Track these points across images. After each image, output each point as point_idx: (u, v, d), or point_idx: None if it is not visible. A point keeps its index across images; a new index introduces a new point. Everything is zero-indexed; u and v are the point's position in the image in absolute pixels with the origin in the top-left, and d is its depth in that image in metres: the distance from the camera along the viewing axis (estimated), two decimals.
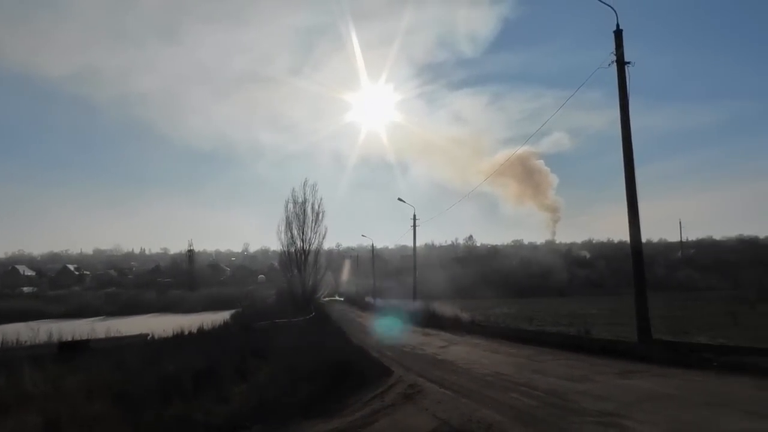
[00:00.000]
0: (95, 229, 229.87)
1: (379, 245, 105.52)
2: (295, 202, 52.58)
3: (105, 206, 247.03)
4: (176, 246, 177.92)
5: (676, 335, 16.79)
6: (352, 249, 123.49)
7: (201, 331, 27.81)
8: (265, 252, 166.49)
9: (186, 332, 26.70)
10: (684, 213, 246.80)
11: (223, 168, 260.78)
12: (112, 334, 24.62)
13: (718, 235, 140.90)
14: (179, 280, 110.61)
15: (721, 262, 79.38)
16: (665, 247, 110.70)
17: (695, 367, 11.97)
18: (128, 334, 24.88)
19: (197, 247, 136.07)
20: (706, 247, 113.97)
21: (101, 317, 67.08)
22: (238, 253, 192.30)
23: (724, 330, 19.09)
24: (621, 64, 15.71)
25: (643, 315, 15.40)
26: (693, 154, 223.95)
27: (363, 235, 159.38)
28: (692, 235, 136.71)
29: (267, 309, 51.08)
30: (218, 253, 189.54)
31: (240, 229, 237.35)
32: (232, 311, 53.96)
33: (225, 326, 33.03)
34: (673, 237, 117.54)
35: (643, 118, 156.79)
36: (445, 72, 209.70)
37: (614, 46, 15.86)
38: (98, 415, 8.61)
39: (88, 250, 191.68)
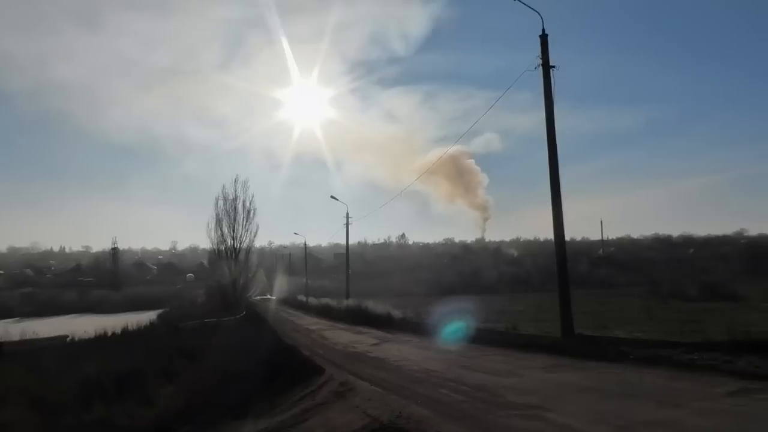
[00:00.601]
0: (10, 226, 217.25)
1: (312, 243, 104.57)
2: (225, 199, 51.63)
3: (21, 202, 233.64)
4: (99, 244, 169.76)
5: (597, 330, 17.51)
6: (285, 247, 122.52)
7: (125, 333, 26.90)
8: (194, 250, 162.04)
9: (109, 333, 25.77)
10: (605, 212, 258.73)
11: (148, 163, 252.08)
12: (28, 337, 23.38)
13: (636, 233, 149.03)
14: (102, 279, 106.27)
15: (638, 259, 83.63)
16: (588, 246, 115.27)
17: (614, 360, 12.49)
18: (46, 336, 23.68)
19: (122, 245, 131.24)
20: (625, 245, 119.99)
21: (16, 319, 63.60)
22: (165, 251, 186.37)
23: (640, 324, 20.08)
24: (546, 67, 16.18)
25: (566, 311, 16.01)
26: (614, 155, 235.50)
27: (295, 233, 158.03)
28: (612, 233, 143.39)
29: (196, 308, 49.97)
30: (144, 251, 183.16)
31: (168, 226, 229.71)
32: (160, 311, 52.42)
33: (151, 327, 32.10)
34: (595, 236, 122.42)
35: (568, 120, 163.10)
36: (378, 69, 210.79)
37: (540, 50, 16.34)
38: (12, 421, 8.16)
39: (2, 248, 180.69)
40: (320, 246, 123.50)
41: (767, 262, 67.49)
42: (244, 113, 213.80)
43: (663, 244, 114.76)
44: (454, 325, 20.30)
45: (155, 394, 10.94)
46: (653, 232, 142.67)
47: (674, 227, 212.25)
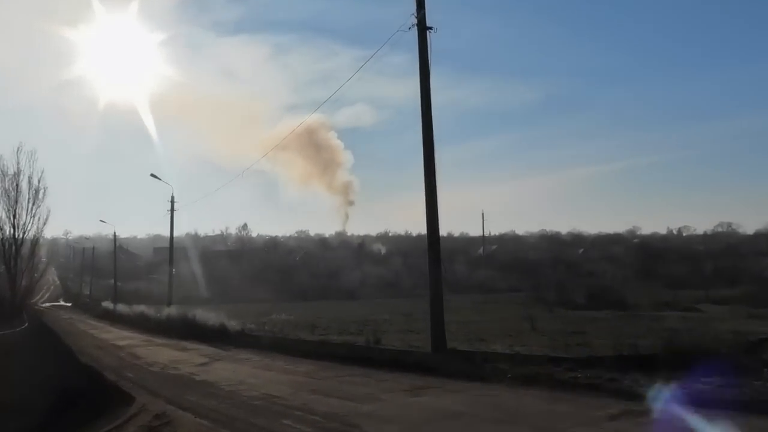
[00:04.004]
0: None
1: (124, 234, 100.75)
2: (4, 175, 48.04)
3: None
4: None
5: (473, 344, 18.43)
6: (87, 239, 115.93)
7: None
8: None
9: None
10: (488, 204, 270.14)
11: None
12: None
13: (521, 229, 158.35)
14: None
15: (522, 260, 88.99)
16: (467, 243, 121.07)
17: (490, 380, 13.26)
18: None
19: None
20: (508, 243, 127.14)
21: None
22: None
23: (522, 336, 21.41)
24: (422, 28, 16.62)
25: (438, 322, 16.63)
26: (501, 134, 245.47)
27: (102, 221, 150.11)
28: (495, 229, 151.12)
29: None
30: None
31: None
32: None
33: None
34: (475, 231, 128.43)
35: (450, 93, 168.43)
36: (213, 9, 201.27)
37: (415, 7, 16.70)
38: None
39: None
40: (136, 238, 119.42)
41: (658, 264, 74.67)
42: (26, 59, 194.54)
43: (550, 242, 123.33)
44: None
45: None
46: (540, 229, 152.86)
47: (563, 223, 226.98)
